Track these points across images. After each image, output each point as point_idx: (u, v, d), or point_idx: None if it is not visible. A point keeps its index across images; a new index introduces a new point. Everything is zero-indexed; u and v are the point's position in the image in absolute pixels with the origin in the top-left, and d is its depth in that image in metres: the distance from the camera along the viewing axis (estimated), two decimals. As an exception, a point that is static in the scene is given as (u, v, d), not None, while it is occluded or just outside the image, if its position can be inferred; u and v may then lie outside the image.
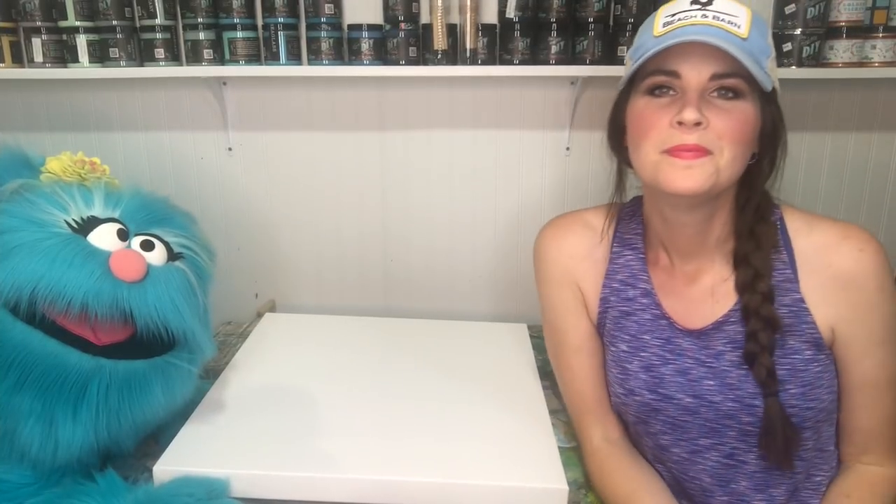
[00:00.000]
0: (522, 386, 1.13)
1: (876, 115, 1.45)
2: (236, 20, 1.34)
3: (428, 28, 1.34)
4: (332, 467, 0.89)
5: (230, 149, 1.52)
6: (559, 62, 1.33)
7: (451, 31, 1.34)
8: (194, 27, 1.34)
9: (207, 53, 1.35)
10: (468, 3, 1.31)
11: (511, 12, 1.31)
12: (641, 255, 0.92)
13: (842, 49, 1.29)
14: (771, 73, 0.79)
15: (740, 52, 0.74)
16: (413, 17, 1.35)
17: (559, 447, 0.96)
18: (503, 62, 1.36)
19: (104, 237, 0.85)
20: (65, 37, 1.34)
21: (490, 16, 1.39)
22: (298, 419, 1.00)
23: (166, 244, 0.92)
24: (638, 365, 0.89)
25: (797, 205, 0.89)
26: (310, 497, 0.87)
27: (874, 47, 1.29)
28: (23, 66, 1.38)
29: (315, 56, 1.35)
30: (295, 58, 1.38)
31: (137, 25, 1.36)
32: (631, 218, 0.95)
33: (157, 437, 0.97)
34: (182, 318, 0.86)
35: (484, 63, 1.36)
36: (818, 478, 0.89)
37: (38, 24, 1.33)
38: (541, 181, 1.52)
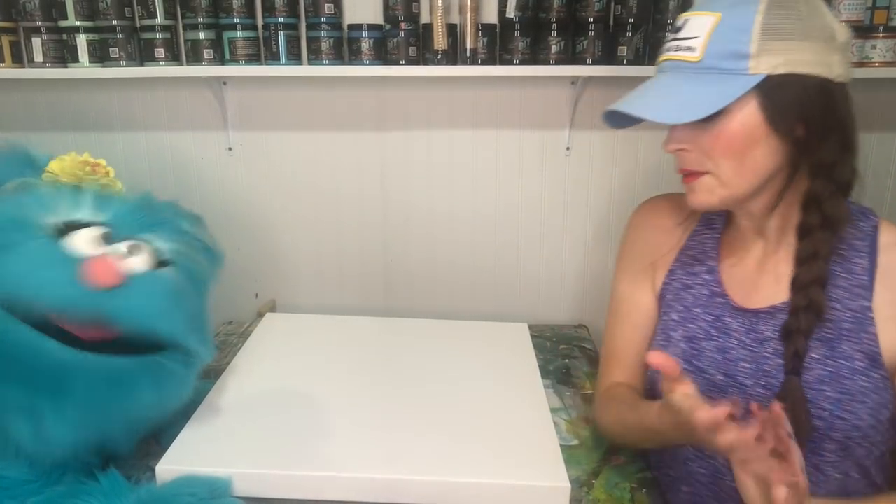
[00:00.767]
0: (523, 385, 1.13)
1: (876, 115, 1.45)
2: (236, 20, 1.34)
3: (428, 28, 1.34)
4: (335, 466, 0.88)
5: (230, 149, 1.52)
6: (559, 62, 1.33)
7: (452, 30, 1.34)
8: (194, 27, 1.34)
9: (207, 53, 1.35)
10: (468, 3, 1.31)
11: (511, 12, 1.31)
12: (717, 235, 0.95)
13: (841, 49, 1.29)
14: (759, 58, 0.75)
15: (687, 88, 0.77)
16: (413, 17, 1.35)
17: (561, 445, 0.96)
18: (503, 62, 1.36)
19: (82, 242, 0.83)
20: (65, 36, 1.33)
21: (490, 16, 1.40)
22: (300, 418, 1.00)
23: (158, 249, 0.90)
24: (682, 334, 0.92)
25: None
26: (312, 496, 0.87)
27: (874, 47, 1.29)
28: (23, 66, 1.38)
29: (315, 56, 1.35)
30: (295, 58, 1.38)
31: (137, 25, 1.36)
32: None
33: (158, 437, 0.97)
34: (171, 322, 0.84)
35: (484, 63, 1.36)
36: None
37: (39, 23, 1.33)
38: (541, 181, 1.52)
